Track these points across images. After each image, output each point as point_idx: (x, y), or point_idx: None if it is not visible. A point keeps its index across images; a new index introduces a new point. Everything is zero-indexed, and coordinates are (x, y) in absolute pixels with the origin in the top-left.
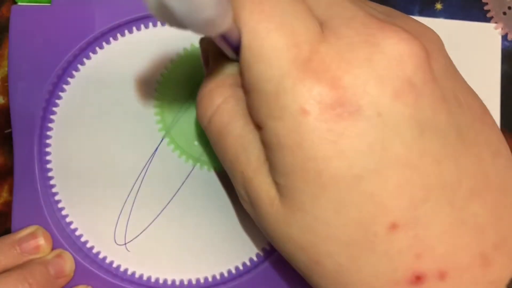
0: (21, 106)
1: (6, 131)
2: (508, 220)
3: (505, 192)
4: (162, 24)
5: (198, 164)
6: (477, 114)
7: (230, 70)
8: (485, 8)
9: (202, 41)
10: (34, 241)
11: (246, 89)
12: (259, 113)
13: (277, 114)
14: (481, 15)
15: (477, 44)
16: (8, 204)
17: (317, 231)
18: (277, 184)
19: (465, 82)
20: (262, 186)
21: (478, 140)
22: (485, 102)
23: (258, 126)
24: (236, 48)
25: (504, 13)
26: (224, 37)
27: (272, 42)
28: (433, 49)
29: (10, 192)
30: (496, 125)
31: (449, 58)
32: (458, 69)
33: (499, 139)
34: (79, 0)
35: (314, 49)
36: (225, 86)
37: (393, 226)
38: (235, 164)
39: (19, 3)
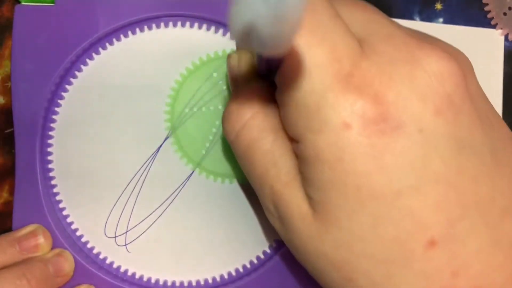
0: (24, 106)
1: (6, 131)
2: None
3: None
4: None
5: (197, 169)
6: (508, 136)
7: (258, 85)
8: (486, 8)
9: (229, 57)
10: (34, 239)
11: (283, 102)
12: (297, 126)
13: (318, 128)
14: (481, 16)
15: (480, 49)
16: (8, 204)
17: (352, 247)
18: (310, 199)
19: (492, 106)
20: (294, 201)
21: (510, 161)
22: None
23: (293, 140)
24: (272, 64)
25: (505, 14)
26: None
27: (314, 56)
28: (468, 71)
29: (11, 192)
30: None
31: (477, 80)
32: None
33: None
34: (83, 1)
35: (355, 64)
36: (254, 101)
37: (431, 243)
38: (264, 178)
39: (23, 3)
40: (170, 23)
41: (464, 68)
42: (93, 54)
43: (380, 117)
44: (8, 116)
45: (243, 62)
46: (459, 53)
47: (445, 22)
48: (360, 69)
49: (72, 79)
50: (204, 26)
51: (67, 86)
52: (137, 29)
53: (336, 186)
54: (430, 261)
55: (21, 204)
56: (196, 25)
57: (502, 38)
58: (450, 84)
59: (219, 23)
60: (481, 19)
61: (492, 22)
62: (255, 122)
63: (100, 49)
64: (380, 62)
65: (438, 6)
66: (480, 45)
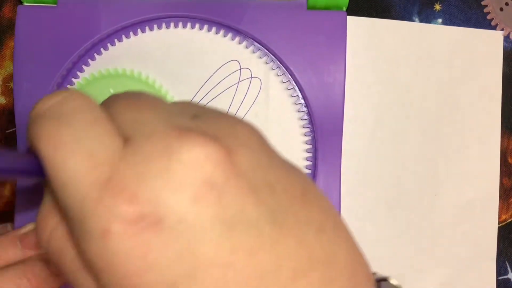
0: (25, 106)
1: (8, 131)
2: None
3: (331, 266)
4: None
5: None
6: (296, 194)
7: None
8: (483, 3)
9: None
10: (35, 236)
11: (62, 214)
12: (74, 238)
13: (85, 238)
14: (480, 16)
15: (479, 50)
16: (10, 204)
17: None
18: None
19: (284, 166)
20: None
21: (298, 221)
22: (486, 103)
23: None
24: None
25: (501, 9)
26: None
27: (70, 167)
28: (239, 145)
29: (12, 192)
30: (322, 199)
31: (264, 148)
32: (461, 72)
33: (324, 213)
34: (85, 1)
35: (113, 168)
36: (55, 211)
37: None
38: (77, 285)
39: (25, 4)
40: (172, 24)
41: (235, 143)
42: (95, 55)
43: (139, 217)
44: (10, 116)
45: None
46: (235, 129)
47: (444, 22)
48: (118, 172)
49: (73, 79)
50: (205, 27)
51: (69, 86)
52: (139, 30)
53: None
54: None
55: (22, 204)
56: (197, 26)
57: (502, 39)
58: (208, 168)
59: (221, 24)
60: (480, 20)
61: (489, 17)
62: (57, 234)
63: (101, 49)
64: (137, 162)
65: (437, 6)
66: (480, 46)
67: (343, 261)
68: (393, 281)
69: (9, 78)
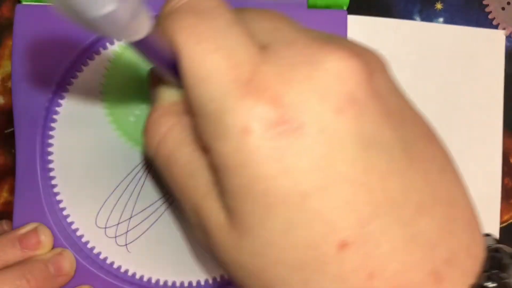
0: (24, 105)
1: (6, 131)
2: (458, 234)
3: (453, 206)
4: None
5: None
6: (422, 131)
7: (173, 97)
8: (484, 2)
9: (151, 71)
10: (35, 237)
11: (192, 112)
12: (205, 135)
13: (221, 135)
14: (481, 15)
15: (481, 49)
16: (9, 204)
17: (267, 255)
18: (226, 209)
19: (410, 100)
20: (212, 212)
21: (424, 156)
22: (488, 103)
23: (206, 149)
24: (178, 73)
25: (503, 8)
26: (162, 60)
27: (211, 63)
28: (375, 67)
29: (11, 192)
30: (442, 143)
31: (392, 77)
32: (463, 72)
33: (445, 156)
34: None
35: (255, 69)
36: (170, 114)
37: (343, 245)
38: (184, 191)
39: (24, 3)
40: None
41: (372, 65)
42: (94, 54)
43: (280, 119)
44: (8, 116)
45: (158, 73)
46: (367, 52)
47: (445, 21)
48: (259, 74)
49: (72, 79)
50: None
51: (68, 86)
52: None
53: (245, 193)
54: (344, 263)
55: (21, 204)
56: None
57: (503, 38)
58: (352, 82)
59: None
60: (481, 19)
61: (490, 16)
62: (171, 135)
63: (100, 48)
64: (280, 66)
65: (439, 5)
66: (481, 45)
67: (462, 204)
68: (493, 236)
69: (8, 77)
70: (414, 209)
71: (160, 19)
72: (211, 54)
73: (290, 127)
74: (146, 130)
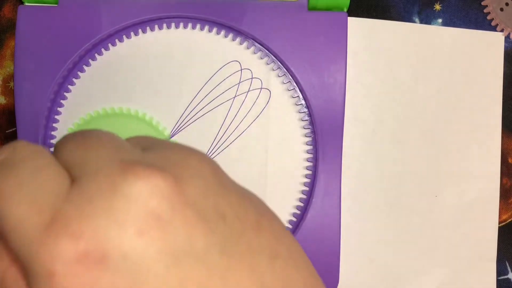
0: (26, 106)
1: (8, 131)
2: None
3: None
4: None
5: None
6: (248, 223)
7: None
8: (483, 3)
9: None
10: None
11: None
12: (27, 282)
13: (35, 281)
14: (480, 16)
15: (480, 51)
16: None
17: None
18: None
19: (237, 193)
20: None
21: (250, 249)
22: (486, 103)
23: None
24: None
25: (501, 9)
26: None
27: (16, 215)
28: (188, 174)
29: None
30: (277, 224)
31: (217, 176)
32: (462, 73)
33: (279, 240)
34: (86, 1)
35: (57, 210)
36: (5, 253)
37: None
38: None
39: (26, 4)
40: (173, 25)
41: (185, 173)
42: (96, 55)
43: (82, 255)
44: (10, 116)
45: None
46: (184, 158)
47: (444, 22)
48: (61, 213)
49: (74, 80)
50: (206, 28)
51: (70, 86)
52: (140, 30)
53: None
54: None
55: None
56: (198, 26)
57: (502, 39)
58: (154, 201)
59: (221, 24)
60: (480, 20)
61: (489, 17)
62: (9, 276)
63: (102, 50)
64: (81, 201)
65: (437, 7)
66: (480, 47)
67: (299, 285)
68: None
69: (10, 78)
70: None
71: None
72: (15, 207)
73: (93, 259)
74: None
